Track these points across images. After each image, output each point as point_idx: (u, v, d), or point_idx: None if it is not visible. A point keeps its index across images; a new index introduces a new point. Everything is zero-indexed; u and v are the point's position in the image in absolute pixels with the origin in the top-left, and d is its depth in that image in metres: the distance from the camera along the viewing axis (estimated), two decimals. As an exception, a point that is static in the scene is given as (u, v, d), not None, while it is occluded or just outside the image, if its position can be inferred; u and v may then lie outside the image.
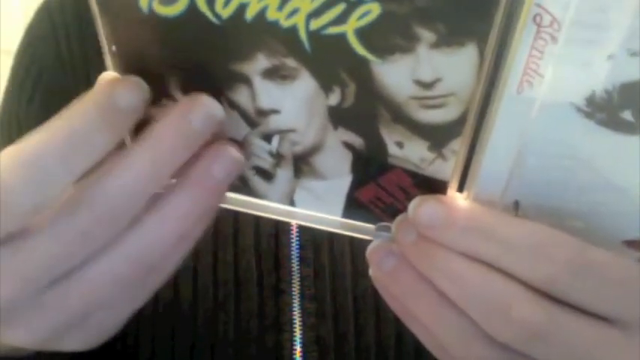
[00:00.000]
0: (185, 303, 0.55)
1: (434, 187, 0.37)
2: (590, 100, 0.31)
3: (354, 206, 0.38)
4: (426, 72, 0.33)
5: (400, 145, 0.36)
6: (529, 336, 0.32)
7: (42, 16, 0.61)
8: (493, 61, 0.32)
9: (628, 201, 0.33)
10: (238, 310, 0.54)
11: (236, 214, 0.54)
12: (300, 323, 0.54)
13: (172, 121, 0.33)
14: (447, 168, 0.36)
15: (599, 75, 0.30)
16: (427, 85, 0.33)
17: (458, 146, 0.35)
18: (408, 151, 0.36)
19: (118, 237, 0.33)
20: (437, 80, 0.33)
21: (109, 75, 0.34)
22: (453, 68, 0.32)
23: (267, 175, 0.38)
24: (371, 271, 0.37)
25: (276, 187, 0.38)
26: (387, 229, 0.38)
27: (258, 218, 0.54)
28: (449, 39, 0.32)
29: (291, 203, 0.39)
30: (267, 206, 0.39)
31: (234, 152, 0.35)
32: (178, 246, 0.35)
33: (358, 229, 0.39)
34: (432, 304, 0.35)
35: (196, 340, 0.54)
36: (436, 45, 0.32)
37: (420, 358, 0.54)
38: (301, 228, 0.55)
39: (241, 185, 0.39)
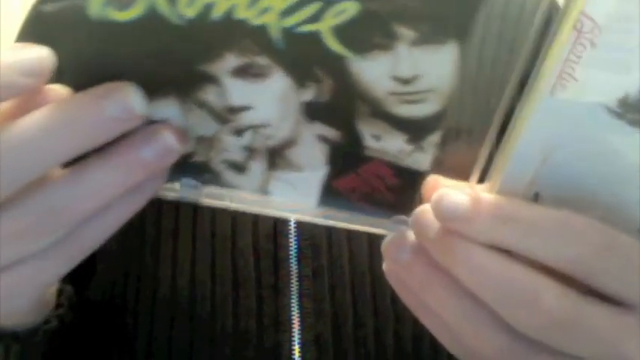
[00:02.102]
0: (183, 302, 0.54)
1: (414, 176, 0.36)
2: (623, 102, 0.31)
3: (331, 194, 0.37)
4: (405, 69, 0.31)
5: (377, 137, 0.34)
6: (554, 326, 0.32)
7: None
8: (524, 64, 0.31)
9: None
10: (236, 310, 0.53)
11: (234, 215, 0.53)
12: (299, 322, 0.53)
13: (85, 102, 0.31)
14: (425, 159, 0.35)
15: (634, 78, 0.30)
16: (406, 82, 0.32)
17: (437, 139, 0.34)
18: (386, 144, 0.35)
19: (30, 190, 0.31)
20: (416, 77, 0.31)
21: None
22: (432, 65, 0.31)
23: (239, 168, 0.37)
24: (384, 265, 0.36)
25: (250, 179, 0.37)
26: (403, 222, 0.37)
27: (256, 219, 0.53)
28: (429, 37, 0.30)
29: (265, 192, 0.38)
30: (241, 197, 0.38)
31: (168, 139, 0.33)
32: (102, 216, 0.34)
33: (336, 217, 0.38)
34: (449, 295, 0.34)
35: (194, 339, 0.52)
36: (416, 43, 0.30)
37: (419, 357, 0.54)
38: (300, 228, 0.54)
39: (212, 177, 0.37)
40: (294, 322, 0.53)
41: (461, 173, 0.35)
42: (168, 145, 0.33)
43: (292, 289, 0.53)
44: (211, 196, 0.38)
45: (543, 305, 0.31)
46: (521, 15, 0.34)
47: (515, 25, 0.33)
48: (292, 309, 0.53)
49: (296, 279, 0.53)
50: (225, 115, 0.34)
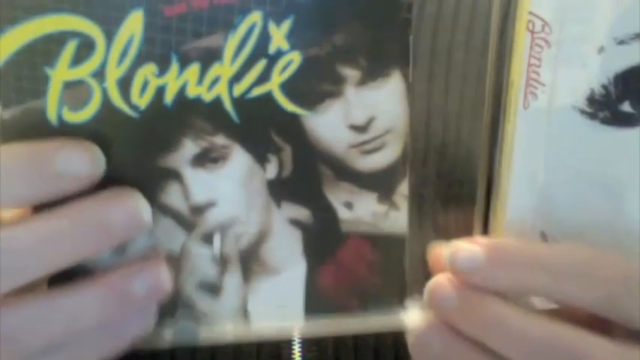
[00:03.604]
0: None
1: (394, 245, 0.35)
2: (591, 100, 0.31)
3: (316, 299, 0.35)
4: (358, 114, 0.32)
5: (349, 205, 0.34)
6: None
7: None
8: (493, 84, 0.32)
9: None
10: None
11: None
12: None
13: (86, 206, 0.29)
14: (402, 219, 0.34)
15: (593, 70, 0.30)
16: (362, 128, 0.32)
17: (405, 190, 0.34)
18: (359, 210, 0.34)
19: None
20: (371, 120, 0.32)
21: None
22: (383, 102, 0.32)
23: (213, 289, 0.34)
24: (410, 346, 0.33)
25: (226, 301, 0.34)
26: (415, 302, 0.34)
27: (259, 347, 0.48)
28: (373, 72, 0.32)
29: (246, 316, 0.34)
30: (220, 331, 0.34)
31: (163, 274, 0.31)
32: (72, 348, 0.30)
33: (325, 326, 0.35)
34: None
35: None
36: (362, 82, 0.32)
37: None
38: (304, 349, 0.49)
39: (186, 312, 0.34)
40: None
41: (461, 233, 0.34)
42: (162, 279, 0.31)
43: None
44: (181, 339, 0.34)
45: None
46: (472, 27, 0.36)
47: (467, 37, 0.34)
48: None
49: None
50: (190, 218, 0.32)
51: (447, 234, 0.34)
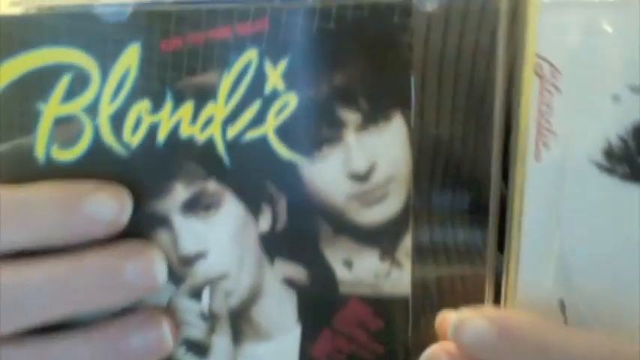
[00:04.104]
0: None
1: (397, 308, 0.32)
2: (608, 152, 0.29)
3: None
4: (359, 161, 0.31)
5: (349, 264, 0.32)
6: None
7: None
8: (502, 136, 0.30)
9: None
10: None
11: None
12: None
13: (102, 258, 0.28)
14: (405, 278, 0.32)
15: (608, 120, 0.28)
16: (363, 177, 0.31)
17: (409, 245, 0.32)
18: (359, 270, 0.32)
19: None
20: (372, 168, 0.31)
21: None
22: (385, 148, 0.31)
23: (200, 349, 0.31)
24: None
25: None
26: None
27: None
28: (374, 115, 0.31)
29: (235, 386, 0.31)
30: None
31: (166, 329, 0.29)
32: None
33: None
34: None
35: None
36: (363, 126, 0.31)
37: None
38: None
39: None
40: None
41: (470, 298, 0.32)
42: (164, 337, 0.29)
43: None
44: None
45: None
46: (474, 71, 0.35)
47: (470, 81, 0.33)
48: None
49: None
50: (179, 270, 0.31)
51: (454, 297, 0.31)
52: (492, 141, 0.30)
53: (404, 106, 0.30)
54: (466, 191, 0.32)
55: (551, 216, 0.30)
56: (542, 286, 0.30)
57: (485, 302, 0.31)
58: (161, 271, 0.29)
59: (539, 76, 0.29)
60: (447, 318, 0.31)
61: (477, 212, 0.32)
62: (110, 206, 0.28)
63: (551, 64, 0.28)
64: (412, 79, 0.30)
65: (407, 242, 0.31)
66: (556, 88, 0.29)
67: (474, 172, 0.31)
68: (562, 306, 0.31)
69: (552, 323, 0.30)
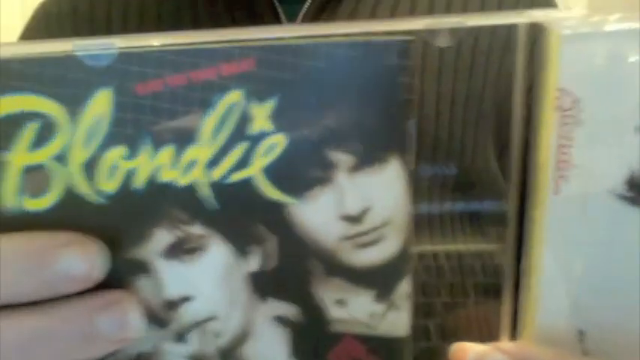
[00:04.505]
0: None
1: (393, 348, 0.31)
2: (630, 183, 0.28)
3: None
4: (352, 203, 0.29)
5: (341, 303, 0.30)
6: None
7: (38, 11, 0.55)
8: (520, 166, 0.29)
9: None
10: None
11: None
12: None
13: (75, 312, 0.27)
14: (402, 320, 0.30)
15: (631, 150, 0.27)
16: (356, 219, 0.29)
17: (407, 289, 0.30)
18: (353, 309, 0.30)
19: None
20: (366, 210, 0.29)
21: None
22: (380, 191, 0.29)
23: None
24: None
25: None
26: None
27: None
28: (368, 157, 0.28)
29: None
30: None
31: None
32: None
33: None
34: None
35: None
36: (357, 168, 0.28)
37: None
38: None
39: None
40: None
41: (485, 331, 0.31)
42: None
43: None
44: None
45: None
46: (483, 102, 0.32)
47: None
48: None
49: None
50: (163, 314, 0.29)
51: (469, 331, 0.30)
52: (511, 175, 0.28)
53: (401, 149, 0.27)
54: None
55: (571, 247, 0.29)
56: (561, 316, 0.30)
57: (502, 333, 0.31)
58: (136, 322, 0.28)
59: (559, 108, 0.27)
60: (463, 349, 0.30)
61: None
62: (82, 262, 0.26)
63: (572, 96, 0.27)
64: (411, 123, 0.27)
65: (404, 286, 0.30)
66: (577, 120, 0.27)
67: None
68: (581, 336, 0.30)
69: (571, 357, 0.29)
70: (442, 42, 0.26)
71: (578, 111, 0.27)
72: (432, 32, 0.27)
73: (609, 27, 0.27)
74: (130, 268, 0.28)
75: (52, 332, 0.27)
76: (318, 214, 0.29)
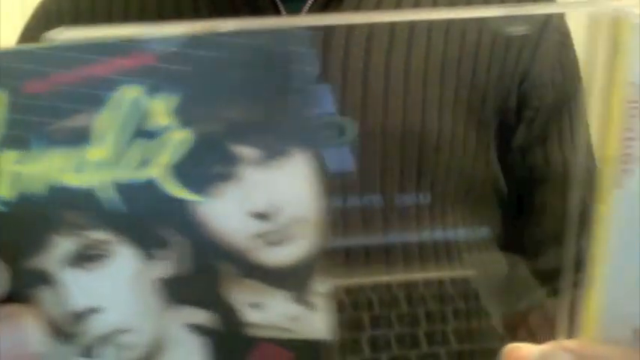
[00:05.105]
0: None
1: (313, 352, 0.30)
2: None
3: None
4: (259, 199, 0.28)
5: (257, 306, 0.29)
6: None
7: (38, 10, 0.54)
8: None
9: None
10: None
11: None
12: None
13: None
14: (323, 322, 0.29)
15: None
16: (265, 216, 0.28)
17: (324, 288, 0.29)
18: (270, 312, 0.29)
19: None
20: (274, 206, 0.28)
21: None
22: (287, 186, 0.28)
23: None
24: None
25: None
26: None
27: None
28: (273, 151, 0.28)
29: None
30: None
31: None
32: None
33: None
34: None
35: None
36: (261, 162, 0.28)
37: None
38: None
39: None
40: None
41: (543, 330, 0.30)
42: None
43: None
44: None
45: None
46: None
47: None
48: None
49: None
50: (70, 327, 0.28)
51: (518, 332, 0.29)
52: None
53: (305, 142, 0.27)
54: None
55: (635, 242, 0.28)
56: (622, 313, 0.29)
57: (559, 332, 0.30)
58: (36, 336, 0.26)
59: (627, 101, 0.26)
60: (518, 349, 0.30)
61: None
62: None
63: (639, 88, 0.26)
64: (317, 117, 0.27)
65: (320, 285, 0.29)
66: None
67: None
68: (636, 334, 0.29)
69: (635, 355, 0.28)
70: (515, 30, 0.26)
71: None
72: (506, 19, 0.27)
73: None
74: (31, 279, 0.27)
75: None
76: (225, 212, 0.28)
